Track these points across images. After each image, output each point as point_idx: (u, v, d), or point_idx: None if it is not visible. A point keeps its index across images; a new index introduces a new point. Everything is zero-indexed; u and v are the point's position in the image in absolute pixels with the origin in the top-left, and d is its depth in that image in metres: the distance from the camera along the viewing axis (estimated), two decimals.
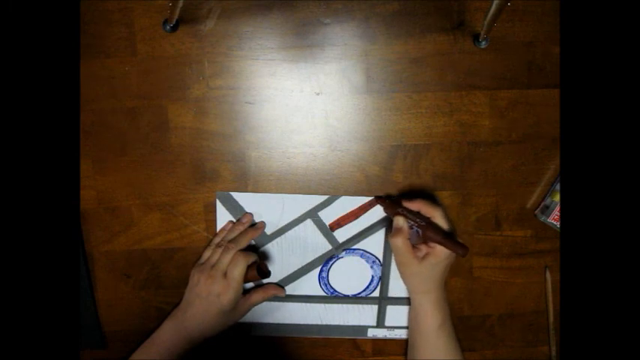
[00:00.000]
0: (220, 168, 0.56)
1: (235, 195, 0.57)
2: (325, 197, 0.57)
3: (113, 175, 0.56)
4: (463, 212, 0.59)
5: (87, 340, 0.59)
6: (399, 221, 0.51)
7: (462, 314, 0.62)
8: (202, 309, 0.53)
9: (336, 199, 0.57)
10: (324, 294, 0.60)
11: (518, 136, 0.57)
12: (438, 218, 0.50)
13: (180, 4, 0.47)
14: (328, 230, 0.58)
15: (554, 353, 0.63)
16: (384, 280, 0.59)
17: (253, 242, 0.58)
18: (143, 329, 0.58)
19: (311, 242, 0.58)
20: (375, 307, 0.60)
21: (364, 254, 0.59)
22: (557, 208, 0.56)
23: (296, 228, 0.58)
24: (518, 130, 0.57)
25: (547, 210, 0.57)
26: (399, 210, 0.52)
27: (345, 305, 0.60)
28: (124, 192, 0.56)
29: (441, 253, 0.50)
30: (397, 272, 0.56)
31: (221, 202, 0.57)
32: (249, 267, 0.53)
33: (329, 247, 0.58)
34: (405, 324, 0.60)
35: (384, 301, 0.60)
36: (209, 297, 0.52)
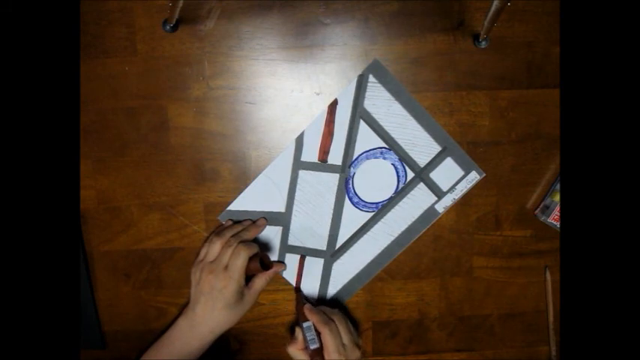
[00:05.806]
0: (220, 168, 0.56)
1: (232, 206, 0.57)
2: (293, 143, 0.56)
3: (113, 175, 0.56)
4: (463, 212, 0.59)
5: (87, 340, 0.59)
6: (297, 332, 0.54)
7: (462, 314, 0.62)
8: (209, 305, 0.52)
9: (302, 137, 0.56)
10: (371, 212, 0.58)
11: (518, 136, 0.57)
12: (326, 335, 0.52)
13: (180, 4, 0.46)
14: (324, 164, 0.57)
15: (554, 353, 0.63)
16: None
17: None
18: (143, 329, 0.58)
19: (320, 184, 0.57)
20: (423, 185, 0.58)
21: (372, 152, 0.57)
22: (557, 208, 0.56)
23: (298, 185, 0.57)
24: (518, 130, 0.57)
25: (547, 210, 0.57)
26: (300, 317, 0.54)
27: (398, 205, 0.58)
28: (124, 192, 0.56)
29: None
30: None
31: (224, 219, 0.57)
32: (251, 259, 0.53)
33: (337, 174, 0.57)
34: (457, 175, 0.58)
35: (425, 172, 0.57)
36: (212, 292, 0.52)
